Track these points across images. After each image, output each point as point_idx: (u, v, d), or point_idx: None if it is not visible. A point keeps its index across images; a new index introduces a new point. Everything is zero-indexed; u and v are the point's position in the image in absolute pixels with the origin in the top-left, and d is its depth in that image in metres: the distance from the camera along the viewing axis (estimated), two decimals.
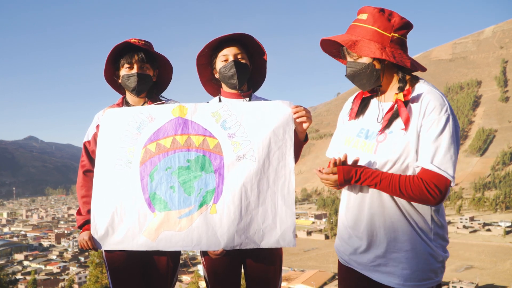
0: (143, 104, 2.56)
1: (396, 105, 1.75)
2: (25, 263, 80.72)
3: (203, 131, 2.30)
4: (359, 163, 1.83)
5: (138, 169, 2.29)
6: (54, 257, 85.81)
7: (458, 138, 1.69)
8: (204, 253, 2.40)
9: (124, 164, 2.30)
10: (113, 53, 2.48)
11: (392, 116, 1.75)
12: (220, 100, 2.51)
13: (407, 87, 1.76)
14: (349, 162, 1.86)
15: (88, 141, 2.51)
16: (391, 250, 1.79)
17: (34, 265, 77.21)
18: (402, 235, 1.77)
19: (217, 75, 2.50)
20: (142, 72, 2.47)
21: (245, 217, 2.20)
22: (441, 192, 1.65)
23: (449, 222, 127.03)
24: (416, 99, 1.72)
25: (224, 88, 2.52)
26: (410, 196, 1.69)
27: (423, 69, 1.80)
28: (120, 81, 2.55)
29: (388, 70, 1.80)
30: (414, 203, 1.75)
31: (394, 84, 1.82)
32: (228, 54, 2.39)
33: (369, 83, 1.81)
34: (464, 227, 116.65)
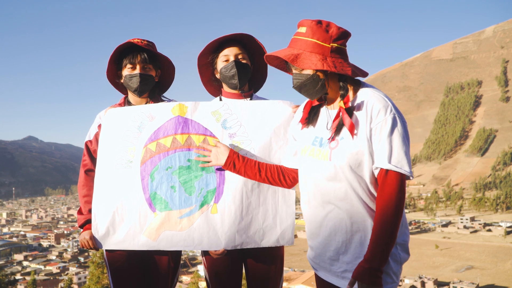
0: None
1: (340, 113, 1.82)
2: (25, 263, 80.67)
3: (204, 130, 2.30)
4: (316, 171, 1.89)
5: (139, 168, 2.29)
6: (54, 257, 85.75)
7: (407, 135, 1.78)
8: (205, 253, 2.39)
9: (125, 164, 2.30)
10: (115, 53, 2.47)
11: (339, 123, 1.82)
12: (221, 100, 2.48)
13: (349, 93, 1.84)
14: (307, 171, 1.93)
15: (90, 141, 2.50)
16: (357, 256, 1.82)
17: (33, 266, 77.17)
18: (369, 240, 1.79)
19: (218, 75, 2.48)
20: (145, 73, 2.47)
21: (246, 217, 2.21)
22: (402, 188, 1.73)
23: (450, 223, 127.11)
24: (361, 105, 1.79)
25: (225, 88, 2.50)
26: (400, 209, 1.73)
27: (364, 75, 1.85)
28: (122, 81, 2.55)
29: (332, 78, 1.86)
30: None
31: (338, 92, 1.89)
32: (229, 54, 2.39)
33: (316, 93, 1.86)
34: (465, 227, 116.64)
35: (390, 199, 1.71)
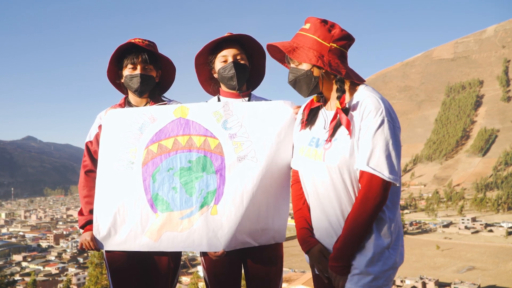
0: (145, 105, 2.56)
1: (338, 114, 1.82)
2: (24, 264, 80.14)
3: (204, 131, 2.30)
4: (311, 171, 1.90)
5: (140, 169, 2.30)
6: (53, 258, 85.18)
7: (396, 138, 1.71)
8: (204, 254, 2.38)
9: (126, 165, 2.31)
10: (116, 53, 2.48)
11: (336, 124, 1.82)
12: (219, 100, 2.49)
13: (345, 94, 1.85)
14: (304, 171, 1.96)
15: (90, 141, 2.51)
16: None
17: (32, 266, 76.64)
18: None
19: (215, 75, 2.47)
20: (145, 73, 2.48)
21: (245, 218, 2.20)
22: (379, 193, 1.67)
23: (451, 223, 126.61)
24: (356, 106, 1.79)
25: (223, 88, 2.49)
26: (369, 214, 1.70)
27: (360, 80, 1.85)
28: (123, 81, 2.55)
29: (328, 79, 1.88)
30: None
31: (335, 93, 1.90)
32: (227, 55, 2.38)
33: (308, 90, 1.89)
34: (466, 228, 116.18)
35: (365, 203, 1.69)
